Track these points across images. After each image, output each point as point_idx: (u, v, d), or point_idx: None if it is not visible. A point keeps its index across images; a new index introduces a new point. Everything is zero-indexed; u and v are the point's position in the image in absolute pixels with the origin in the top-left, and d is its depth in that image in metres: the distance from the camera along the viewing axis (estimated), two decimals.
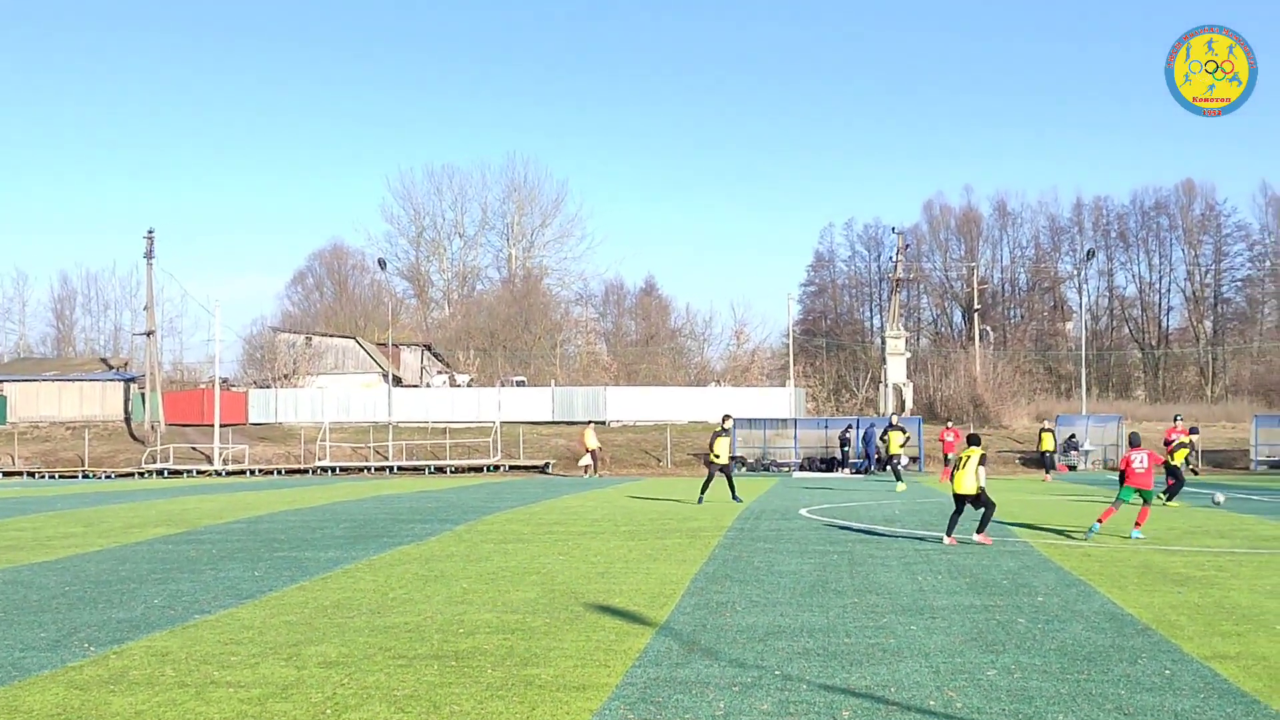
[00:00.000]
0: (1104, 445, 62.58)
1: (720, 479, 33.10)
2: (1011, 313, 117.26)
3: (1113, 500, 23.31)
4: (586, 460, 54.15)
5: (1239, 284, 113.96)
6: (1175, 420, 40.71)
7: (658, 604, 14.13)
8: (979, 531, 20.96)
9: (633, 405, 73.37)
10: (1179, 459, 30.98)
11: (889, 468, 39.98)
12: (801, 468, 59.90)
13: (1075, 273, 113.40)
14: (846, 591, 15.07)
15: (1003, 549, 20.04)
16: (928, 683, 9.85)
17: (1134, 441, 23.45)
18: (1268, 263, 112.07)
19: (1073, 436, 61.83)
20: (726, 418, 33.27)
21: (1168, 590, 15.07)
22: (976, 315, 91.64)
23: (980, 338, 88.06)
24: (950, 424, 51.06)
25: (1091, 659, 10.75)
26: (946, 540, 20.82)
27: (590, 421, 60.04)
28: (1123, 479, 22.68)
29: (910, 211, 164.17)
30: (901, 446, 41.16)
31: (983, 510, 20.91)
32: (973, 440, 21.75)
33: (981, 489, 20.86)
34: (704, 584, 15.85)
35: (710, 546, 20.77)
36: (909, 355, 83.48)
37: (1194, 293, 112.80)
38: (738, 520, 26.54)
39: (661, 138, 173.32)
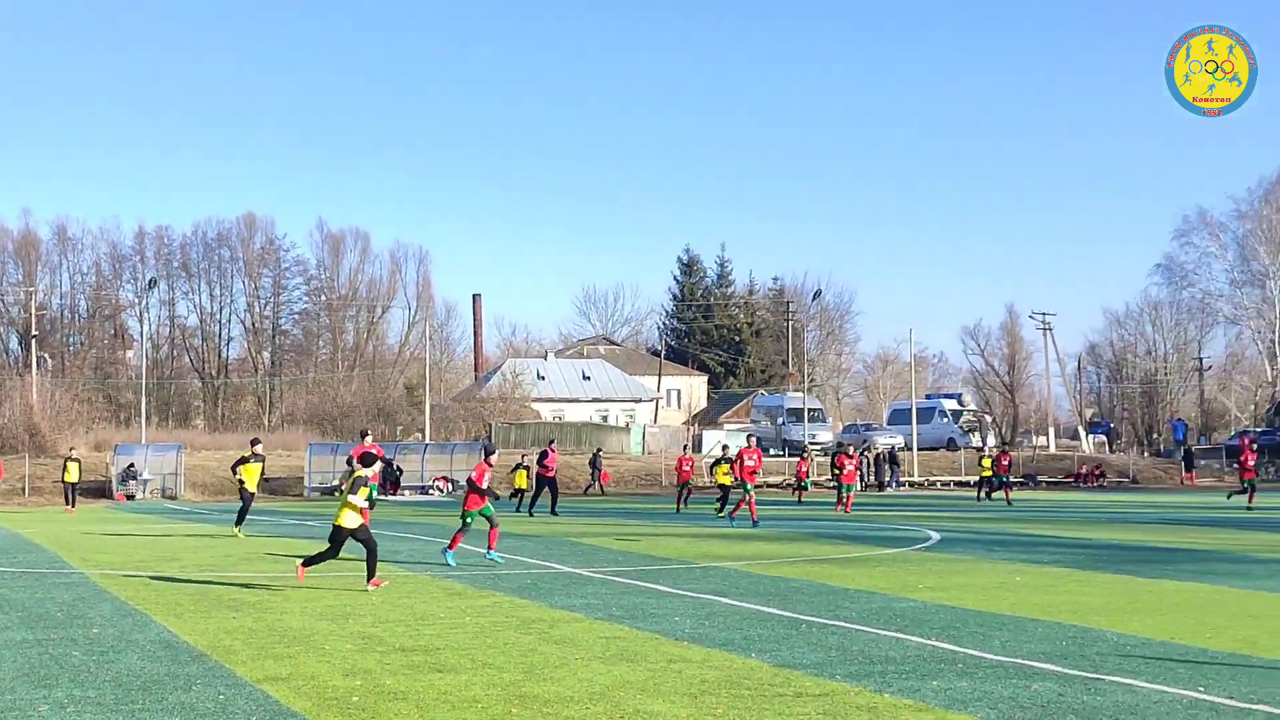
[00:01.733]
0: (164, 474, 62.71)
1: None
2: (72, 340, 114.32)
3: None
4: None
5: (297, 316, 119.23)
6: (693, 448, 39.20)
7: None
8: (370, 579, 17.63)
9: None
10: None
11: None
12: None
13: (137, 301, 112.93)
14: None
15: (58, 581, 19.55)
16: None
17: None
18: (323, 297, 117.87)
19: (131, 465, 61.40)
20: None
21: (223, 615, 15.39)
22: (34, 341, 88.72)
23: (38, 365, 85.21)
24: None
25: (146, 688, 10.76)
26: (299, 572, 18.02)
27: None
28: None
29: None
30: None
31: (366, 551, 17.81)
32: (365, 460, 18.14)
33: (360, 523, 17.63)
34: None
35: None
36: None
37: (254, 324, 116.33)
38: None
39: None
